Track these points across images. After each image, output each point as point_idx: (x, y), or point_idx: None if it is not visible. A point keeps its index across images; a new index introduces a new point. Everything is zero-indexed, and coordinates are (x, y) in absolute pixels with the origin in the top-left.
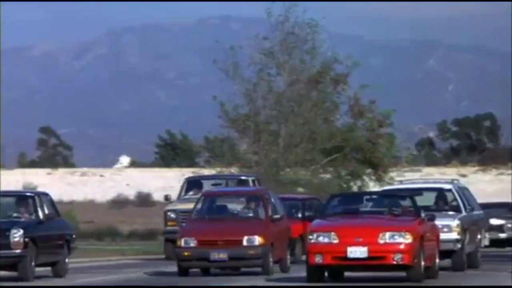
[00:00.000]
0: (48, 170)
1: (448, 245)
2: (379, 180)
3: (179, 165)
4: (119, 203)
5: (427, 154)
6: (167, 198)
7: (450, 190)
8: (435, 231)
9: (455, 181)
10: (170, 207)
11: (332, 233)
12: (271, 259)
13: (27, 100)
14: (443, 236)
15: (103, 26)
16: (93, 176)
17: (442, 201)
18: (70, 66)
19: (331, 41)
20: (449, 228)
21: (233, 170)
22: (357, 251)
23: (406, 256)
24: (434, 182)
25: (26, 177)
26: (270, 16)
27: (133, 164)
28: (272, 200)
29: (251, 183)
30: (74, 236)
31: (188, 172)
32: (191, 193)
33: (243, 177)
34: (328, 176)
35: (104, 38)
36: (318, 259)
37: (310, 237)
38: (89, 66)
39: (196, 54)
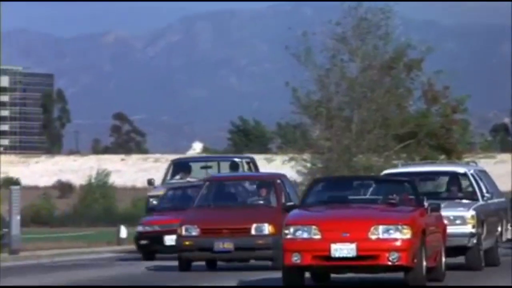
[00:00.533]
0: (121, 156)
1: (462, 240)
2: None
3: (252, 151)
4: None
5: (502, 140)
6: (150, 182)
7: (464, 174)
8: (441, 223)
9: (472, 164)
10: (152, 192)
11: (313, 227)
12: None
13: (100, 86)
14: (455, 229)
15: (176, 13)
16: (166, 162)
17: (455, 187)
18: (144, 52)
19: (404, 26)
20: (462, 220)
21: (305, 156)
22: (343, 249)
23: (404, 255)
24: (447, 165)
25: (101, 163)
26: (343, 1)
27: (206, 150)
28: (286, 187)
29: (245, 166)
30: (5, 230)
31: (260, 158)
32: (177, 177)
33: (236, 159)
34: (401, 162)
35: (177, 24)
36: (295, 259)
37: (286, 231)
38: (162, 53)
39: (268, 40)
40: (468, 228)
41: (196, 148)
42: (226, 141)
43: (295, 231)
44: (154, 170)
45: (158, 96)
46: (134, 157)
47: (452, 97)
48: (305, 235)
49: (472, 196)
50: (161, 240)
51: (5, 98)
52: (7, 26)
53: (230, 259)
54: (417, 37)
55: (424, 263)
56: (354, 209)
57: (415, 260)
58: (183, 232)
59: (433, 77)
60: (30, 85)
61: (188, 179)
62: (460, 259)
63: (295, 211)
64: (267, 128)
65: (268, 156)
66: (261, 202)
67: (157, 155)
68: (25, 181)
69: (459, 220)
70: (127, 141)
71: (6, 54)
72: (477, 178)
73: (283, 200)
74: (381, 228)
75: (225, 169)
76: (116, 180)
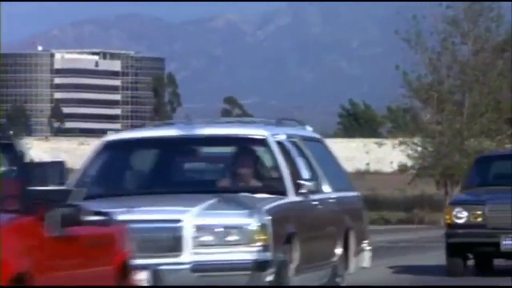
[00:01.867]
0: None
1: (237, 277)
2: None
3: (362, 135)
4: None
5: None
6: None
7: (263, 142)
8: (110, 250)
9: (288, 125)
10: None
11: None
12: None
13: (211, 70)
14: (228, 254)
15: None
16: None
17: (247, 169)
18: (253, 36)
19: None
20: (242, 235)
21: (416, 140)
22: None
23: None
24: (235, 125)
25: None
26: None
27: None
28: None
29: None
30: None
31: (370, 143)
32: None
33: None
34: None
35: (286, 8)
36: None
37: None
38: (272, 36)
39: (379, 22)
40: (253, 252)
41: None
42: (336, 125)
43: None
44: None
45: (268, 80)
46: None
47: None
48: None
49: (276, 186)
50: None
51: (117, 82)
52: (119, 11)
53: None
54: None
55: None
56: None
57: None
58: None
59: None
60: (141, 69)
61: None
62: None
63: None
64: (377, 112)
65: (378, 140)
66: None
67: None
68: None
69: (237, 234)
70: None
71: (118, 38)
72: (292, 152)
73: None
74: None
75: None
76: None
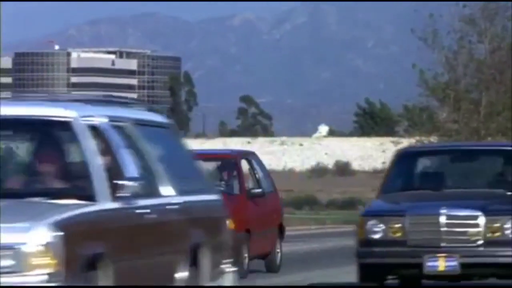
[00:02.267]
0: (248, 139)
1: None
2: None
3: (378, 134)
4: (318, 172)
5: None
6: None
7: (67, 126)
8: None
9: (120, 104)
10: None
11: None
12: (246, 254)
13: (227, 69)
14: None
15: None
16: (292, 145)
17: (48, 163)
18: (270, 35)
19: None
20: (16, 259)
21: (433, 139)
22: None
23: None
24: (38, 102)
25: (227, 146)
26: None
27: (332, 133)
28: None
29: None
30: None
31: (386, 141)
32: None
33: None
34: None
35: (302, 7)
36: None
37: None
38: (288, 35)
39: (395, 21)
40: (32, 284)
41: (322, 131)
42: (352, 124)
43: None
44: (280, 153)
45: (284, 78)
46: (260, 140)
47: None
48: None
49: (80, 188)
50: None
51: (133, 81)
52: (135, 10)
53: None
54: None
55: None
56: None
57: None
58: None
59: None
60: (158, 68)
61: None
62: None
63: None
64: (394, 110)
65: (394, 139)
66: (221, 189)
67: (283, 138)
68: None
69: (9, 258)
70: (253, 124)
71: (134, 37)
72: (114, 141)
73: (249, 185)
74: None
75: None
76: None
